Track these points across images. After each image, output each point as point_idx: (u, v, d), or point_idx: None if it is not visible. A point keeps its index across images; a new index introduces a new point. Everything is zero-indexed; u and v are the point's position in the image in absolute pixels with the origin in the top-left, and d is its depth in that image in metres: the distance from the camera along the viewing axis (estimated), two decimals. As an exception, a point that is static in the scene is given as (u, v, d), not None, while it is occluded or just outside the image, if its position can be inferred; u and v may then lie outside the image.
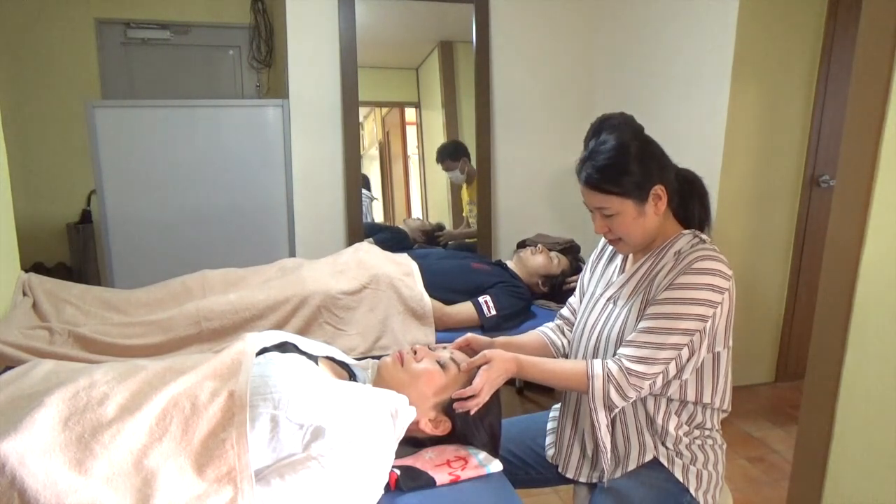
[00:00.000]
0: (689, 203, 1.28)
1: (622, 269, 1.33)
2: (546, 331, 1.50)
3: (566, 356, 1.45)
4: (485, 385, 1.16)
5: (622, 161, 1.17)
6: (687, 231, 1.25)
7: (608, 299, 1.30)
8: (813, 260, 2.74)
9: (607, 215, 1.21)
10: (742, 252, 2.74)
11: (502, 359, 1.20)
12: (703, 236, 1.24)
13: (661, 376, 1.17)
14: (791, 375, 2.90)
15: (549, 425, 1.44)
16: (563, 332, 1.49)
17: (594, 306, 1.33)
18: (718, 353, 1.22)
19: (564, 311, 1.52)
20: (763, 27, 2.47)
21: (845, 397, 1.52)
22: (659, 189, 1.19)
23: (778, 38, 2.52)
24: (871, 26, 1.42)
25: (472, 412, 1.17)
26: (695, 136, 2.64)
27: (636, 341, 1.18)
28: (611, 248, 1.41)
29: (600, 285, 1.36)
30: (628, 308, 1.24)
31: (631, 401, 1.20)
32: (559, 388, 1.29)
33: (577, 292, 1.49)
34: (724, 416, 1.30)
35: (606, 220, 1.22)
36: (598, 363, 1.19)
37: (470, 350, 1.32)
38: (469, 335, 1.34)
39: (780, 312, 2.88)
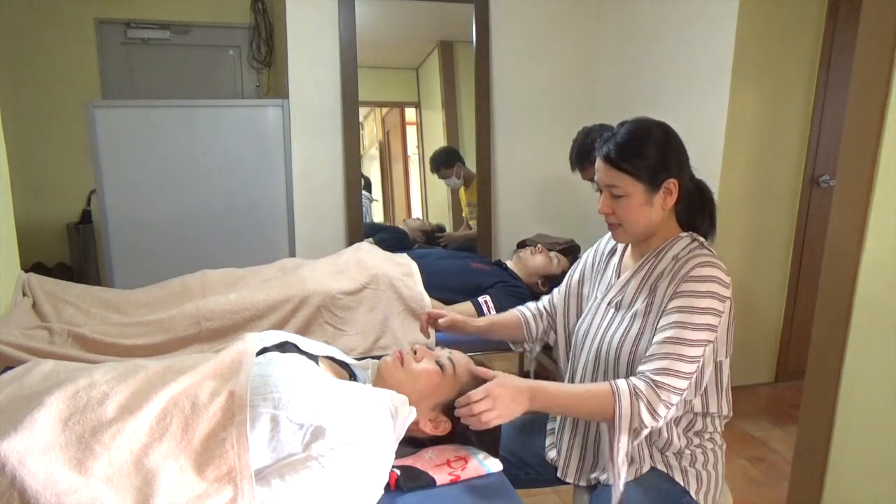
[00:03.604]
0: (699, 213, 1.27)
1: (618, 273, 1.32)
2: (525, 311, 1.51)
3: (540, 341, 1.48)
4: (487, 397, 1.09)
5: (644, 142, 1.18)
6: (684, 234, 1.24)
7: (608, 304, 1.29)
8: (813, 260, 2.74)
9: (616, 196, 1.20)
10: (742, 252, 2.74)
11: (515, 385, 1.12)
12: (701, 239, 1.23)
13: (686, 392, 1.14)
14: (791, 375, 2.90)
15: (550, 425, 1.43)
16: (541, 318, 1.49)
17: (595, 311, 1.32)
18: (720, 362, 1.21)
19: (545, 302, 1.51)
20: (763, 27, 2.47)
21: (845, 397, 1.52)
22: (672, 183, 1.19)
23: (778, 39, 2.52)
24: (871, 26, 1.42)
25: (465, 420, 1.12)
26: (695, 137, 2.63)
27: (656, 355, 1.13)
28: (607, 252, 1.40)
29: (599, 289, 1.35)
30: (632, 314, 1.22)
31: (661, 421, 1.12)
32: (580, 414, 1.20)
33: (562, 289, 1.47)
34: (727, 421, 1.29)
35: (613, 200, 1.21)
36: (622, 381, 1.12)
37: (434, 324, 1.42)
38: (430, 310, 1.39)
39: (780, 312, 2.88)
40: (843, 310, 1.50)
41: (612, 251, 1.38)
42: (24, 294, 1.82)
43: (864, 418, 1.48)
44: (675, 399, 1.11)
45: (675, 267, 1.19)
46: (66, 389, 0.92)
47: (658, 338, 1.15)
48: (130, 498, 0.82)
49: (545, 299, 1.52)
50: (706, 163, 2.57)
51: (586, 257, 1.47)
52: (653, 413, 1.10)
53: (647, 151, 1.18)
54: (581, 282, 1.44)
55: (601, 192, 1.24)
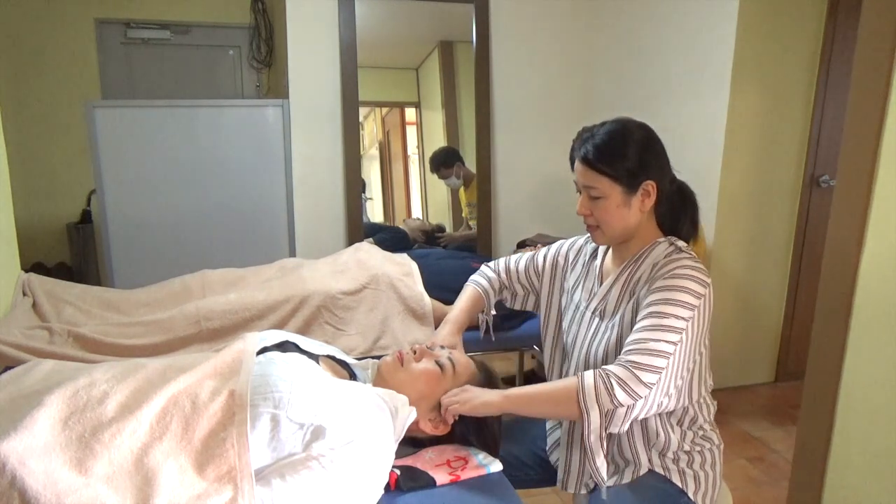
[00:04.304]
0: (680, 215, 1.26)
1: (600, 279, 1.31)
2: (484, 284, 1.53)
3: (491, 313, 1.55)
4: (464, 395, 1.18)
5: (622, 144, 1.17)
6: (663, 239, 1.23)
7: (593, 313, 1.28)
8: (813, 260, 2.74)
9: (593, 197, 1.20)
10: (742, 252, 2.74)
11: (490, 390, 1.21)
12: (680, 243, 1.22)
13: (666, 378, 1.11)
14: (791, 375, 2.90)
15: (549, 423, 1.43)
16: (497, 293, 1.53)
17: (581, 320, 1.31)
18: (696, 359, 1.19)
19: (500, 271, 1.53)
20: (763, 27, 2.47)
21: (845, 397, 1.52)
22: (650, 185, 1.18)
23: (778, 39, 2.52)
24: (871, 26, 1.42)
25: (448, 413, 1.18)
26: (695, 136, 2.64)
27: (631, 341, 1.13)
28: (588, 253, 1.39)
29: (583, 298, 1.33)
30: (614, 323, 1.22)
31: (639, 404, 1.09)
32: (549, 404, 1.18)
33: (544, 262, 1.46)
34: (716, 407, 1.29)
35: (591, 202, 1.21)
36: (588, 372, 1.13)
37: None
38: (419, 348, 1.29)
39: (780, 312, 2.88)
40: (843, 310, 1.50)
41: (594, 254, 1.37)
42: (25, 294, 1.82)
43: (864, 418, 1.48)
44: (652, 378, 1.08)
45: (652, 273, 1.19)
46: (66, 389, 0.92)
47: (635, 328, 1.15)
48: (131, 497, 0.82)
49: (499, 267, 1.55)
50: (706, 163, 2.57)
51: (566, 249, 1.45)
52: (630, 392, 1.07)
53: (626, 153, 1.17)
54: (567, 278, 1.42)
55: (580, 192, 1.24)
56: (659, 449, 1.22)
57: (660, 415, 1.20)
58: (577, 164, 1.22)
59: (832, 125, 2.66)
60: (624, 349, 1.14)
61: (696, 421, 1.24)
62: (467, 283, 1.58)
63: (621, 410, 1.09)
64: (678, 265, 1.16)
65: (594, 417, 1.09)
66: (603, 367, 1.13)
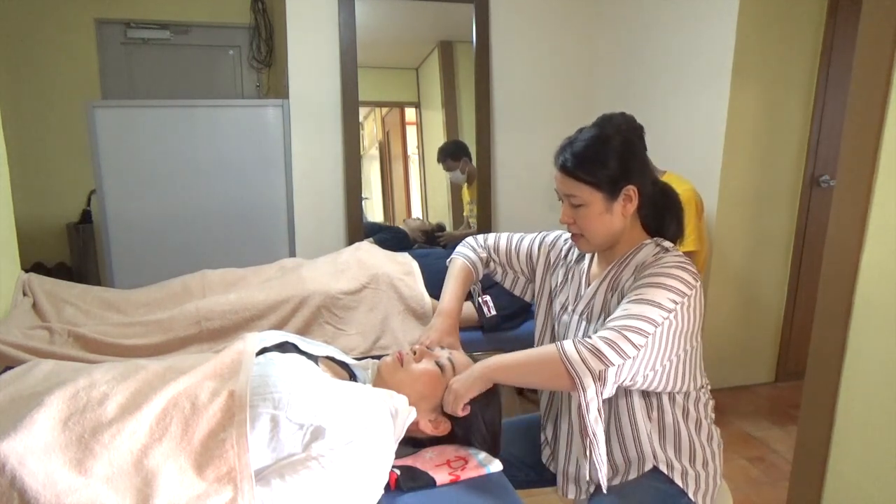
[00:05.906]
0: (664, 216, 1.26)
1: (588, 282, 1.30)
2: (472, 257, 1.51)
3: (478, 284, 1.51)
4: (453, 384, 1.17)
5: (601, 151, 1.17)
6: (649, 241, 1.23)
7: (580, 316, 1.28)
8: (813, 260, 2.74)
9: (575, 205, 1.20)
10: (742, 252, 2.74)
11: (468, 369, 1.20)
12: (666, 244, 1.22)
13: (653, 348, 1.09)
14: (791, 375, 2.90)
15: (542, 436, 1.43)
16: (486, 266, 1.52)
17: (569, 323, 1.31)
18: (686, 350, 1.18)
19: (489, 248, 1.52)
20: (763, 27, 2.47)
21: (845, 397, 1.52)
22: (631, 190, 1.18)
23: (778, 38, 2.52)
24: (871, 26, 1.42)
25: (458, 410, 1.17)
26: (695, 136, 2.64)
27: (616, 313, 1.12)
28: (576, 255, 1.38)
29: (570, 300, 1.33)
30: (600, 324, 1.21)
31: (627, 361, 1.06)
32: (536, 376, 1.16)
33: (539, 251, 1.45)
34: (711, 394, 1.29)
35: (573, 210, 1.21)
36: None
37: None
38: (418, 349, 1.28)
39: (780, 312, 2.88)
40: (843, 310, 1.50)
41: (581, 256, 1.37)
42: (25, 294, 1.82)
43: (864, 418, 1.48)
44: (641, 340, 1.07)
45: (636, 271, 1.18)
46: (66, 389, 0.92)
47: (621, 305, 1.14)
48: (130, 498, 0.82)
49: (488, 243, 1.53)
50: (706, 163, 2.57)
51: (561, 244, 1.44)
52: (619, 351, 1.05)
53: (605, 159, 1.16)
54: (555, 276, 1.41)
55: (562, 201, 1.24)
56: (665, 439, 1.21)
57: (662, 399, 1.20)
58: (557, 172, 1.22)
59: (832, 125, 2.66)
60: (610, 319, 1.12)
61: (699, 412, 1.24)
62: (453, 256, 1.53)
63: (612, 371, 1.06)
64: (666, 261, 1.15)
65: (588, 382, 1.06)
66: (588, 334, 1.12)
